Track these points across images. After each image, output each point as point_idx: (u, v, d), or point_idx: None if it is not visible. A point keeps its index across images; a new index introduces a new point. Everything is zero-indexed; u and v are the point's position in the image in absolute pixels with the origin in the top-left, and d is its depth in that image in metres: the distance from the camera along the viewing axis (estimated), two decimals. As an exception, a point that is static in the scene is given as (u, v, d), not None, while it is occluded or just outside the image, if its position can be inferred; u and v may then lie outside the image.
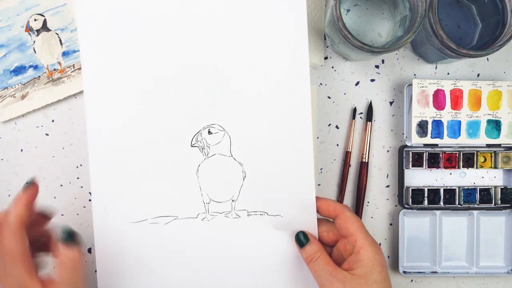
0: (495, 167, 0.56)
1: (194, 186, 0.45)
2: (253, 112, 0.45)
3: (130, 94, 0.44)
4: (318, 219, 0.45)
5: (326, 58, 0.58)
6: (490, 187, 0.56)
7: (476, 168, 0.56)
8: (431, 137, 0.55)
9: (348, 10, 0.56)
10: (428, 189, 0.56)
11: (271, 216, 0.45)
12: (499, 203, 0.56)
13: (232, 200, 0.45)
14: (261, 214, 0.45)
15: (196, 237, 0.45)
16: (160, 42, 0.44)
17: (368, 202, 0.58)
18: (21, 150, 0.57)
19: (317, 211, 0.45)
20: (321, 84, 0.58)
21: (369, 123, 0.57)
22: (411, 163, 0.55)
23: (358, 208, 0.57)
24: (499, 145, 0.56)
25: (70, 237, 0.40)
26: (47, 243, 0.44)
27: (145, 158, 0.45)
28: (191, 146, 0.45)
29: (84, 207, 0.56)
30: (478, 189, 0.56)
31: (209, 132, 0.44)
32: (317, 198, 0.45)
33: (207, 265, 0.46)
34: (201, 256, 0.46)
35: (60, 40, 0.56)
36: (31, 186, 0.42)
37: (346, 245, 0.43)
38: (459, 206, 0.56)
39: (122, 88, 0.44)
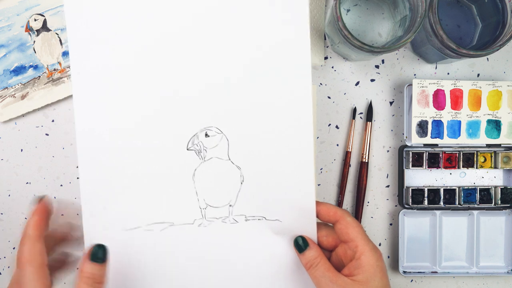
0: (495, 167, 0.56)
1: (190, 191, 0.43)
2: (252, 114, 0.43)
3: (122, 97, 0.42)
4: (317, 223, 0.44)
5: (326, 58, 0.58)
6: (490, 187, 0.56)
7: (476, 168, 0.56)
8: (431, 137, 0.55)
9: (348, 10, 0.56)
10: (428, 189, 0.56)
11: (270, 221, 0.44)
12: (499, 203, 0.56)
13: (230, 205, 0.44)
14: (259, 219, 0.44)
15: (192, 243, 0.44)
16: (154, 44, 0.42)
17: (368, 202, 0.58)
18: (21, 150, 0.57)
19: (317, 216, 0.44)
20: (321, 84, 0.58)
21: (369, 123, 0.57)
22: (411, 163, 0.55)
23: (358, 208, 0.57)
24: (499, 145, 0.56)
25: (98, 252, 0.40)
26: (66, 262, 0.45)
27: (138, 162, 0.43)
28: (187, 149, 0.43)
29: (84, 207, 0.57)
30: (478, 189, 0.56)
31: (206, 135, 0.43)
32: (317, 203, 0.44)
33: (204, 271, 0.44)
34: (198, 262, 0.44)
35: (60, 40, 0.56)
36: (42, 200, 0.41)
37: (347, 250, 0.43)
38: (459, 206, 0.56)
39: (113, 91, 0.42)
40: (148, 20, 0.42)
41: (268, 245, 0.45)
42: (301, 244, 0.43)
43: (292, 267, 0.45)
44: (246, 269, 0.45)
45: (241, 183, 0.44)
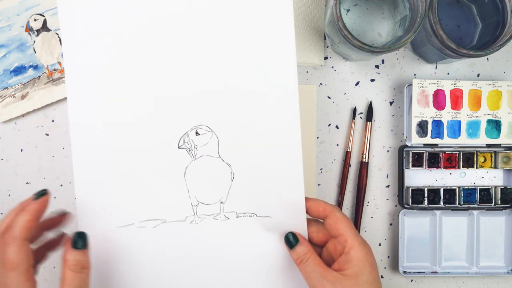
0: (495, 167, 0.56)
1: (182, 188, 0.44)
2: (241, 112, 0.44)
3: (115, 97, 0.43)
4: (308, 220, 0.45)
5: (326, 58, 0.58)
6: (490, 187, 0.56)
7: (476, 168, 0.56)
8: (431, 137, 0.55)
9: (348, 10, 0.56)
10: (428, 189, 0.56)
11: (261, 218, 0.45)
12: (499, 203, 0.56)
13: (221, 202, 0.44)
14: (250, 216, 0.45)
15: (184, 240, 0.44)
16: (145, 43, 0.43)
17: (368, 202, 0.58)
18: (21, 150, 0.57)
19: (307, 212, 0.44)
20: (321, 84, 0.58)
21: (369, 123, 0.57)
22: (411, 163, 0.55)
23: (358, 208, 0.57)
24: (499, 145, 0.56)
25: (79, 240, 0.40)
26: (56, 241, 0.44)
27: (131, 160, 0.44)
28: (178, 148, 0.44)
29: (84, 207, 0.56)
30: (478, 189, 0.56)
31: (197, 133, 0.44)
32: (307, 199, 0.44)
33: (196, 268, 0.45)
34: (190, 259, 0.45)
35: (60, 40, 0.56)
36: (42, 198, 0.40)
37: (336, 245, 0.43)
38: (459, 206, 0.56)
39: (106, 91, 0.43)
40: (141, 21, 0.43)
41: (259, 241, 0.45)
42: (291, 240, 0.44)
43: (283, 263, 0.45)
44: (237, 265, 0.45)
45: (232, 180, 0.44)
